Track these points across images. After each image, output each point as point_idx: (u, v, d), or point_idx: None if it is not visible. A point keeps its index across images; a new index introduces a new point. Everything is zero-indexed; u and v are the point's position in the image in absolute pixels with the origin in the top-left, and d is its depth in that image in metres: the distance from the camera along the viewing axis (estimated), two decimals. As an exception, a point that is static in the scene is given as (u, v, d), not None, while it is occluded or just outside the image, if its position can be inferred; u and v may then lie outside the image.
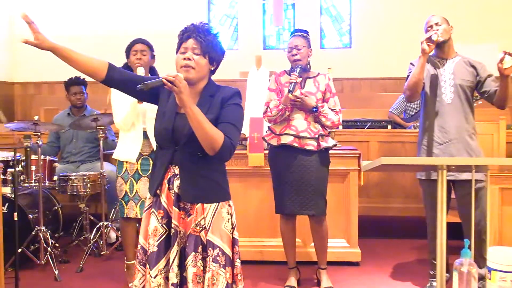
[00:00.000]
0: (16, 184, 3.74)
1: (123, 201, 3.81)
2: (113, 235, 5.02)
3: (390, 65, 7.74)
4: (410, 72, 3.73)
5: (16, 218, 3.60)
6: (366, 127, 5.91)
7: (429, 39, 3.53)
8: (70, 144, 5.37)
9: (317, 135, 3.70)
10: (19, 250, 4.10)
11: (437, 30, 3.58)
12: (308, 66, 3.82)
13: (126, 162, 3.80)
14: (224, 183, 2.49)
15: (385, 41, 7.83)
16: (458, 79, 3.63)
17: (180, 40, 2.43)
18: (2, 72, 8.12)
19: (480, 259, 3.39)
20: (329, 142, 3.77)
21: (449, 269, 3.78)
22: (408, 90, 3.66)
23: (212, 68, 2.47)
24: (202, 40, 2.37)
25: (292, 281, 3.90)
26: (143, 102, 3.24)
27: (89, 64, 2.36)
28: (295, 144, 3.68)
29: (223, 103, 2.41)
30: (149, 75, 3.81)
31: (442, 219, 2.15)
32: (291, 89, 3.59)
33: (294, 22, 8.21)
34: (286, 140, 3.71)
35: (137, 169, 3.79)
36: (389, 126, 6.20)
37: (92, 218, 5.02)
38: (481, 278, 3.49)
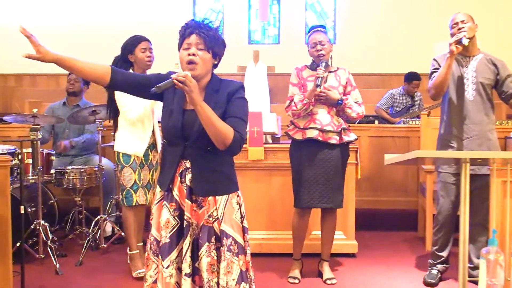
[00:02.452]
0: (22, 177, 3.69)
1: (131, 190, 3.90)
2: (108, 228, 4.98)
3: (374, 62, 7.88)
4: (434, 69, 3.78)
5: (22, 212, 3.57)
6: (356, 122, 5.99)
7: (458, 42, 3.56)
8: (62, 135, 5.32)
9: (339, 129, 3.77)
10: (18, 244, 4.05)
11: (463, 28, 3.61)
12: (330, 61, 3.86)
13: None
14: (233, 175, 2.57)
15: (369, 37, 7.96)
16: (480, 77, 3.71)
17: (182, 36, 2.44)
18: (-18, 64, 7.95)
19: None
20: (350, 136, 3.84)
21: (449, 260, 3.92)
22: (434, 89, 3.71)
23: (215, 63, 2.51)
24: (206, 36, 2.40)
25: (296, 272, 3.96)
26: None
27: (92, 71, 2.40)
28: (319, 138, 3.73)
29: (229, 98, 2.44)
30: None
31: (465, 210, 2.24)
32: (318, 83, 3.63)
33: (279, 18, 8.28)
34: (311, 134, 3.74)
35: (141, 159, 3.92)
36: (376, 121, 6.34)
37: (85, 211, 4.99)
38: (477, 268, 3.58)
